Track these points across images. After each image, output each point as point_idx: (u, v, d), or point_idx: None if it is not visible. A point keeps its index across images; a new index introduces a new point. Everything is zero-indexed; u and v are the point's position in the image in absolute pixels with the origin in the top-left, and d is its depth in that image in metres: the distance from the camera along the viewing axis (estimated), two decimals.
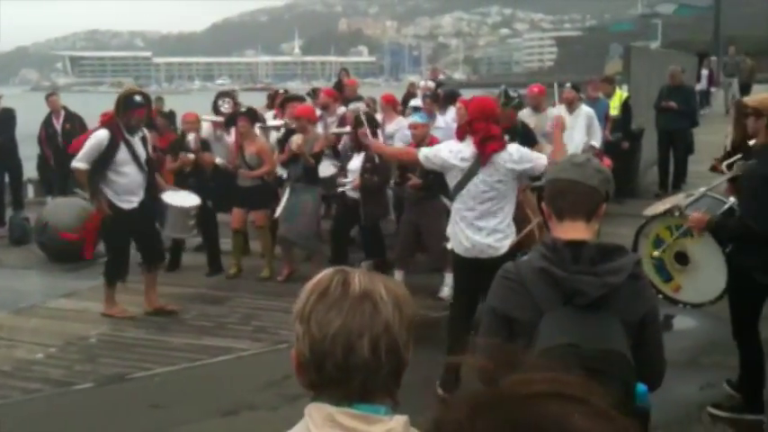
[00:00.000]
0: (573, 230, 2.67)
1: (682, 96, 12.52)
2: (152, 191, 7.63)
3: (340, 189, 8.70)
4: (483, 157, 5.39)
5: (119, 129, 7.23)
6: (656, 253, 5.45)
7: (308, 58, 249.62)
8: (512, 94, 8.45)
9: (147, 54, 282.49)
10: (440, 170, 5.65)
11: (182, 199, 8.11)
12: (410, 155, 6.14)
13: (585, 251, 2.57)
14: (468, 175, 5.43)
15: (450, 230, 5.68)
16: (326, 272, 1.65)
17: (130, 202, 7.33)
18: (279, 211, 8.61)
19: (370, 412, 1.55)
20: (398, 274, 8.24)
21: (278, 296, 8.00)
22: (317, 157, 8.46)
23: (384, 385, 1.58)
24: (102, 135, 7.22)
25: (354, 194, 8.52)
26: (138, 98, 7.34)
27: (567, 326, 2.53)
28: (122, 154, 7.24)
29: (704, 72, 20.76)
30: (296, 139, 8.30)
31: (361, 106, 9.54)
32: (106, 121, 7.46)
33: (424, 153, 5.68)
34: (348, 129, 9.13)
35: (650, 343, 2.69)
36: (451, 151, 5.52)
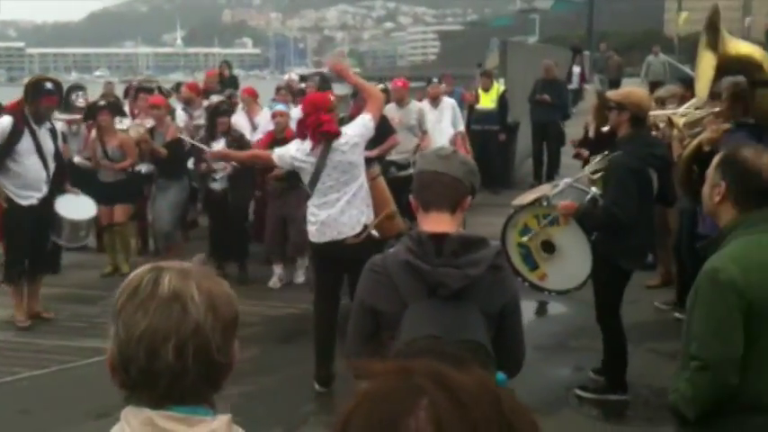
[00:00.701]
0: (438, 222, 2.73)
1: (555, 90, 12.94)
2: (59, 188, 7.18)
3: (212, 182, 8.40)
4: (324, 146, 5.38)
5: (23, 117, 6.79)
6: (523, 239, 5.62)
7: (191, 50, 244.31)
8: (380, 86, 8.60)
9: (20, 45, 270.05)
10: (293, 169, 5.65)
11: (76, 208, 7.61)
12: (264, 157, 6.12)
13: (448, 244, 2.64)
14: (318, 169, 5.43)
15: (308, 227, 5.65)
16: (141, 269, 1.57)
17: (29, 197, 6.88)
18: (149, 206, 8.50)
19: (189, 414, 1.50)
20: (277, 268, 8.23)
21: None
22: (171, 148, 8.28)
23: (195, 390, 1.51)
24: (4, 122, 6.75)
25: (220, 185, 8.31)
26: (48, 85, 6.92)
27: (429, 317, 2.60)
28: (25, 144, 6.77)
29: (576, 70, 21.31)
30: (135, 128, 8.16)
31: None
32: (10, 108, 7.01)
33: (277, 154, 5.68)
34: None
35: (510, 332, 2.79)
36: (299, 149, 5.51)
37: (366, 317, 2.78)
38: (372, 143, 6.62)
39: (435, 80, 10.86)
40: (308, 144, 5.49)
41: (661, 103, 7.16)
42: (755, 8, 63.00)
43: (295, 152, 5.54)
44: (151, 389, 1.49)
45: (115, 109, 8.74)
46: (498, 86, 12.45)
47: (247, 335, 6.94)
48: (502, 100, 12.24)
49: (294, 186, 7.36)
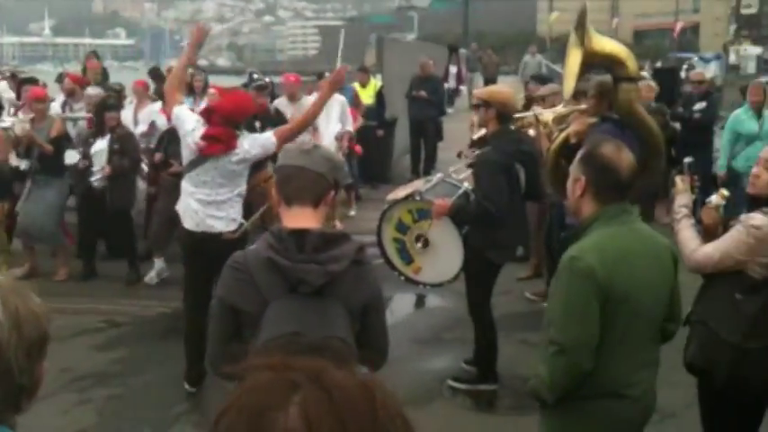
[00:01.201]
0: (300, 218, 2.72)
1: (431, 86, 13.12)
2: None
3: (91, 179, 8.07)
4: (206, 155, 5.22)
5: None
6: (398, 234, 5.68)
7: (60, 40, 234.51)
8: (255, 76, 8.49)
9: None
10: (178, 132, 5.41)
11: None
12: (171, 95, 5.48)
13: (309, 239, 2.62)
14: (198, 161, 5.28)
15: (179, 207, 5.48)
16: None
17: None
18: (20, 204, 8.05)
19: None
20: (158, 262, 8.01)
21: None
22: (56, 143, 7.93)
23: None
24: None
25: (100, 183, 8.00)
26: None
27: (290, 314, 2.59)
28: None
29: (452, 70, 21.63)
30: (19, 123, 7.77)
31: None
32: None
33: (180, 111, 5.34)
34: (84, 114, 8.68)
35: (374, 326, 2.81)
36: (194, 129, 5.25)
37: (227, 316, 2.73)
38: None
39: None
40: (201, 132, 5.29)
41: (542, 100, 7.37)
42: (623, 10, 65.87)
43: (191, 129, 5.27)
44: None
45: None
46: (376, 82, 12.51)
47: (116, 335, 6.75)
48: (379, 96, 12.31)
49: None
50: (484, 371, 5.51)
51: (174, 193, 7.54)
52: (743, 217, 3.53)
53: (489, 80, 21.44)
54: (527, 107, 7.35)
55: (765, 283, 3.43)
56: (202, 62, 20.95)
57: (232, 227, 5.31)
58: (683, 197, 3.90)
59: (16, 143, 7.90)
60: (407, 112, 13.41)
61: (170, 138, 7.32)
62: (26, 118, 7.88)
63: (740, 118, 8.69)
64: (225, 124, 5.23)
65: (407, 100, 13.24)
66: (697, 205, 4.05)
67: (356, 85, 12.23)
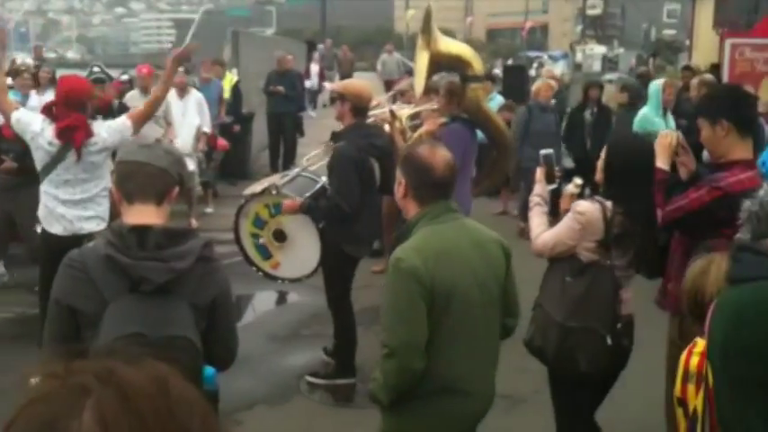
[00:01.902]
0: (143, 214, 2.62)
1: (289, 81, 13.04)
2: None
3: None
4: (75, 148, 5.09)
5: None
6: (255, 229, 5.63)
7: None
8: (95, 69, 8.23)
9: None
10: (24, 139, 5.21)
11: None
12: (3, 104, 5.29)
13: (151, 236, 2.53)
14: (57, 159, 5.11)
15: (41, 213, 5.29)
16: None
17: None
18: None
19: None
20: None
21: None
22: None
23: None
24: None
25: None
26: None
27: (132, 314, 2.49)
28: None
29: (314, 68, 21.55)
30: None
31: None
32: None
33: (20, 115, 5.17)
34: None
35: (222, 324, 2.74)
36: (44, 129, 5.10)
37: (63, 317, 2.59)
38: None
39: (181, 69, 10.40)
40: (53, 129, 5.09)
41: (401, 95, 7.45)
42: (476, 8, 67.69)
43: (39, 130, 5.09)
44: None
45: None
46: (232, 77, 12.31)
47: None
48: (235, 91, 12.12)
49: (28, 183, 6.72)
50: (342, 365, 5.53)
51: (12, 192, 7.17)
52: (573, 204, 3.72)
53: (345, 77, 21.46)
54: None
55: (591, 265, 3.62)
56: (51, 55, 20.04)
57: (102, 226, 5.09)
58: (537, 187, 4.05)
59: None
60: (266, 108, 13.26)
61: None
62: None
63: (651, 118, 8.85)
64: (71, 109, 5.08)
65: (265, 95, 13.10)
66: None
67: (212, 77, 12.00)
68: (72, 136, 5.06)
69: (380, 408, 3.12)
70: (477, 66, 5.96)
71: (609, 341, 3.59)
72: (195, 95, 9.97)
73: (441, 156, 3.08)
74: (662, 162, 3.79)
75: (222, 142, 10.80)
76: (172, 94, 9.69)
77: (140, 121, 5.19)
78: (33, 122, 5.12)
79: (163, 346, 2.43)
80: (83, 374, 0.88)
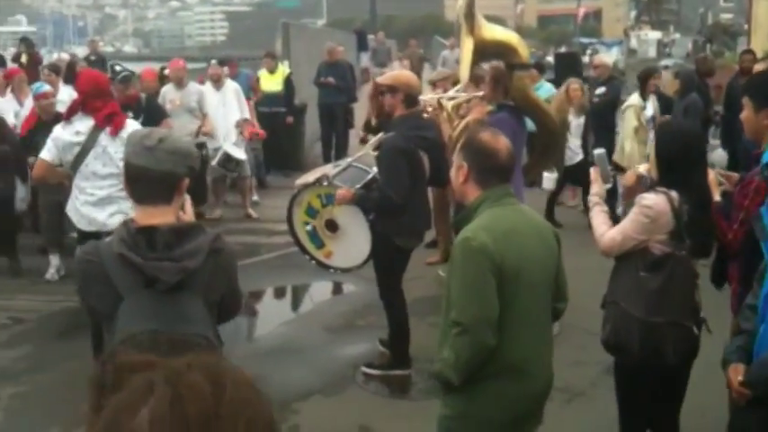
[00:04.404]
0: (153, 215, 2.63)
1: (339, 72, 13.04)
2: None
3: None
4: (113, 129, 5.21)
5: None
6: (308, 218, 5.68)
7: None
8: (117, 68, 8.33)
9: None
10: (61, 155, 5.32)
11: None
12: (37, 169, 5.52)
13: (160, 236, 2.54)
14: (85, 150, 5.21)
15: (70, 207, 5.41)
16: None
17: None
18: None
19: None
20: (54, 258, 7.73)
21: None
22: None
23: None
24: None
25: None
26: None
27: (147, 311, 2.51)
28: None
29: (364, 57, 21.48)
30: None
31: None
32: None
33: (47, 154, 5.31)
34: None
35: (230, 306, 2.83)
36: (65, 129, 5.29)
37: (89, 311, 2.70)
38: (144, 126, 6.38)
39: (214, 61, 10.55)
40: (78, 123, 5.23)
41: (433, 85, 7.44)
42: None
43: (63, 135, 5.25)
44: None
45: None
46: (284, 69, 12.39)
47: (20, 332, 6.52)
48: (288, 83, 12.19)
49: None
50: (397, 356, 5.53)
51: (57, 184, 7.33)
52: (637, 198, 3.67)
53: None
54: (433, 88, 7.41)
55: (665, 258, 3.56)
56: (108, 49, 20.36)
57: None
58: (594, 186, 4.02)
59: None
60: (317, 99, 13.32)
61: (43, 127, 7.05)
62: None
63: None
64: (105, 98, 5.25)
65: (316, 87, 13.14)
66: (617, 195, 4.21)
67: (263, 72, 12.09)
68: (113, 121, 5.19)
69: (444, 390, 3.10)
70: (524, 53, 5.89)
71: (695, 331, 3.58)
72: (231, 85, 10.12)
73: (503, 141, 3.11)
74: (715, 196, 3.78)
75: (261, 132, 10.79)
76: (208, 87, 9.84)
77: None
78: (54, 139, 5.30)
79: (179, 342, 2.45)
80: (157, 371, 0.96)
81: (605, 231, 3.74)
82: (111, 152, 5.20)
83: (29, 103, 8.81)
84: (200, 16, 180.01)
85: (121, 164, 4.99)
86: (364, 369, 5.59)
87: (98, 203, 5.23)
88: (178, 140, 2.79)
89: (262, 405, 0.99)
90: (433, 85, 7.44)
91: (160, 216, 2.62)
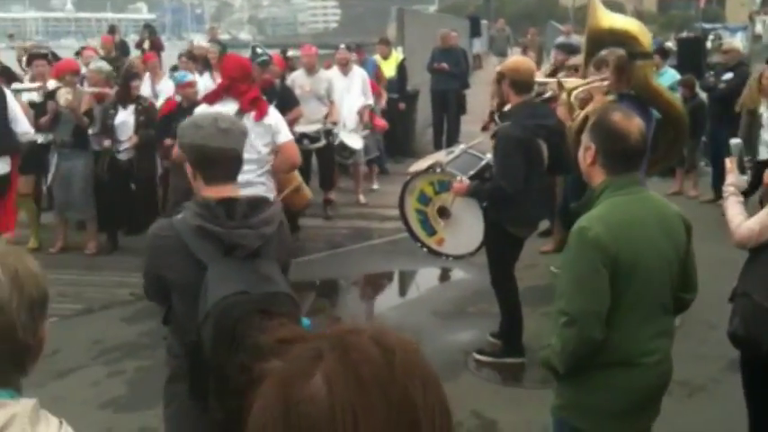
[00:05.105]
0: (224, 191, 2.87)
1: (453, 58, 12.97)
2: None
3: (118, 151, 8.01)
4: (258, 114, 5.24)
5: None
6: (420, 205, 5.70)
7: (82, 15, 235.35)
8: (258, 50, 8.42)
9: None
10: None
11: None
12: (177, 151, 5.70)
13: (238, 207, 2.79)
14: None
15: None
16: None
17: None
18: (50, 178, 8.09)
19: None
20: None
21: (52, 268, 7.52)
22: (88, 117, 7.89)
23: None
24: None
25: (126, 155, 8.02)
26: None
27: (234, 275, 2.70)
28: None
29: (477, 43, 21.26)
30: (64, 94, 7.71)
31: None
32: None
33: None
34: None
35: (286, 266, 3.05)
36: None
37: (157, 284, 2.90)
38: None
39: (342, 46, 10.59)
40: (223, 108, 5.16)
41: (576, 70, 7.25)
42: None
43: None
44: None
45: (7, 76, 8.23)
46: (397, 55, 12.42)
47: (145, 308, 6.79)
48: (401, 69, 12.21)
49: None
50: (509, 344, 5.50)
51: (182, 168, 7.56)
52: None
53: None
54: (553, 76, 7.26)
55: None
56: (225, 36, 20.90)
57: None
58: (730, 176, 3.90)
59: (41, 114, 7.88)
60: (429, 85, 13.30)
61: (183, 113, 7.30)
62: (68, 90, 7.81)
63: None
64: (249, 83, 5.35)
65: (429, 72, 13.13)
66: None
67: (378, 58, 12.14)
68: (258, 106, 5.26)
69: (556, 380, 3.08)
70: (646, 41, 5.70)
71: None
72: (358, 72, 10.15)
73: (636, 124, 2.98)
74: None
75: (381, 122, 10.88)
76: (335, 72, 9.92)
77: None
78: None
79: (267, 301, 2.64)
80: (320, 341, 0.99)
81: (741, 222, 3.62)
82: (252, 138, 5.09)
83: (162, 86, 9.18)
84: (314, 3, 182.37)
85: (263, 149, 5.21)
86: (476, 355, 5.58)
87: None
88: (239, 121, 3.05)
89: (429, 366, 1.01)
90: (576, 70, 7.23)
91: (230, 192, 2.88)
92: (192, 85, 7.68)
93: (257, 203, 2.86)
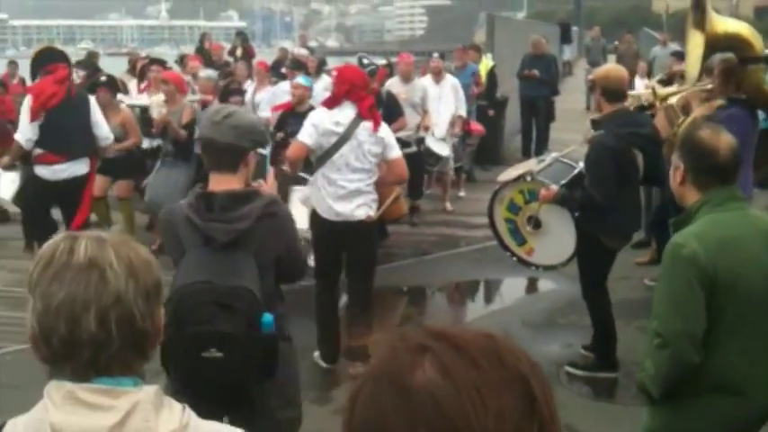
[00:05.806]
0: (221, 181, 3.08)
1: (543, 65, 12.81)
2: None
3: None
4: (375, 125, 5.13)
5: None
6: (510, 214, 5.62)
7: (176, 22, 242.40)
8: (365, 61, 8.40)
9: (3, 16, 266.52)
10: (319, 141, 5.16)
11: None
12: (294, 150, 5.31)
13: (216, 201, 2.99)
14: (343, 139, 5.11)
15: (315, 198, 5.34)
16: (55, 239, 1.54)
17: None
18: (148, 179, 8.18)
19: (113, 385, 1.47)
20: None
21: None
22: (188, 129, 7.74)
23: (120, 360, 1.50)
24: None
25: None
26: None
27: (202, 264, 2.93)
28: None
29: (567, 50, 21.00)
30: (156, 107, 7.85)
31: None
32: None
33: (304, 136, 5.15)
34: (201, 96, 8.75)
35: (289, 267, 3.23)
36: (324, 118, 5.14)
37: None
38: None
39: (436, 55, 10.53)
40: (338, 114, 5.13)
41: (681, 77, 7.03)
42: None
43: (324, 121, 5.13)
44: (74, 360, 1.47)
45: (114, 86, 8.46)
46: (487, 62, 12.32)
47: None
48: (491, 75, 12.11)
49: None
50: (602, 358, 5.36)
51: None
52: None
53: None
54: (668, 85, 7.04)
55: None
56: (312, 43, 21.10)
57: (371, 213, 5.25)
58: None
59: (150, 124, 8.04)
60: (518, 92, 13.17)
61: (292, 120, 7.36)
62: (161, 101, 7.93)
63: None
64: (365, 90, 5.32)
65: (518, 79, 13.00)
66: None
67: (484, 63, 12.02)
68: (375, 115, 5.18)
69: (649, 402, 2.98)
70: (758, 45, 5.49)
71: None
72: (450, 80, 10.07)
73: (724, 139, 2.89)
74: None
75: (477, 127, 10.83)
76: (428, 80, 9.88)
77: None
78: (312, 124, 5.18)
79: (226, 294, 2.84)
80: (419, 336, 1.02)
81: None
82: (366, 148, 5.12)
83: (264, 95, 9.32)
84: (401, 11, 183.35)
85: (373, 160, 5.19)
86: (568, 368, 5.46)
87: (347, 196, 5.16)
88: (244, 117, 3.16)
89: (530, 358, 1.03)
90: (681, 76, 6.98)
91: (225, 183, 3.06)
92: (299, 86, 7.78)
93: (238, 198, 3.01)
